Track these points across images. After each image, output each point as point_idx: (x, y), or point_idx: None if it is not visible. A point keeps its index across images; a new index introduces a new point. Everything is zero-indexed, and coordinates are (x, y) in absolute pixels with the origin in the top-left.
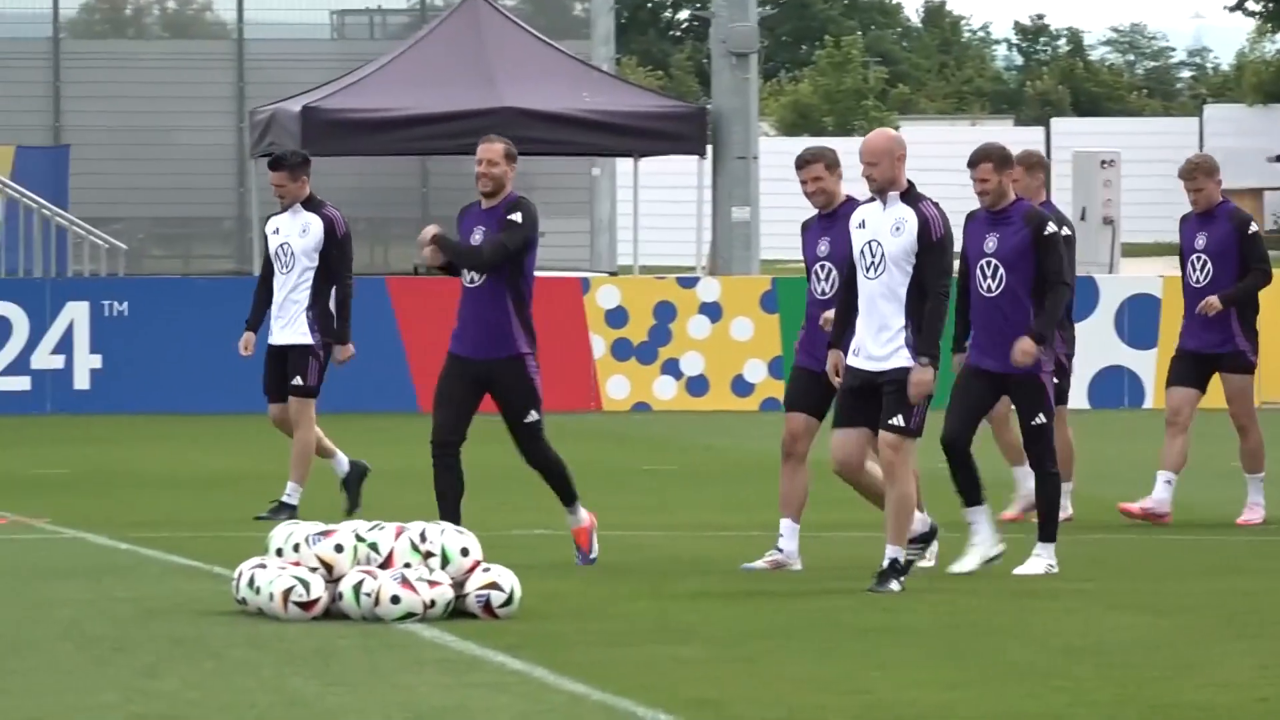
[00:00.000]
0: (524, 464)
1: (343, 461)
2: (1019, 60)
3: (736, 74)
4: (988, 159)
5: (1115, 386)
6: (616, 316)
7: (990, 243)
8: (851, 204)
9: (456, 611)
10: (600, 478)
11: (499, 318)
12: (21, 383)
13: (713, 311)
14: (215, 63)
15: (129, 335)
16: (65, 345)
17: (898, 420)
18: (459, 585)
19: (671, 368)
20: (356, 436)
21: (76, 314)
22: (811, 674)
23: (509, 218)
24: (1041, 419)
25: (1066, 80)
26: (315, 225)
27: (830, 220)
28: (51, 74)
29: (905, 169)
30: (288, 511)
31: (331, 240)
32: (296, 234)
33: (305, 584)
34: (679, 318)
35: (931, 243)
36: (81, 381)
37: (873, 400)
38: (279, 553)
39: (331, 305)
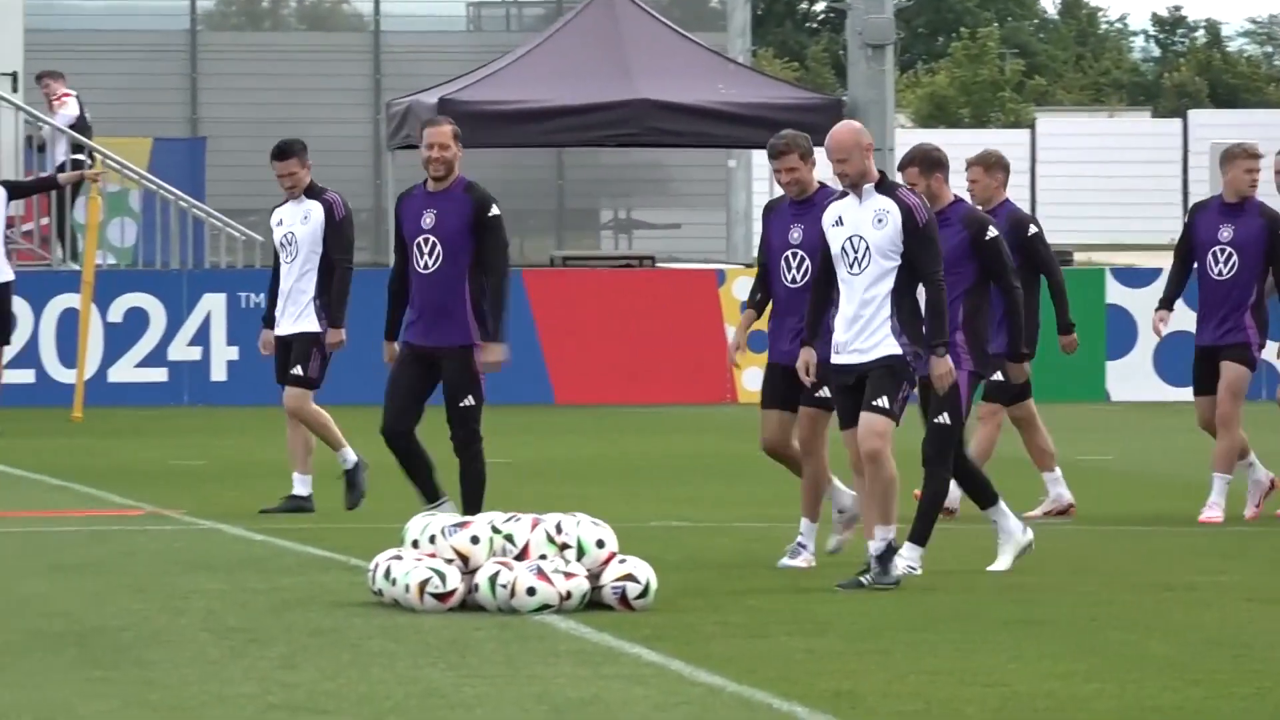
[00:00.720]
0: (672, 455)
1: (349, 456)
2: (1156, 52)
3: (872, 66)
4: (911, 163)
5: (1254, 380)
6: None
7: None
8: (826, 191)
9: (592, 603)
10: (735, 470)
11: (455, 304)
12: (159, 374)
13: None
14: (351, 55)
15: None
16: (202, 337)
17: (882, 401)
18: (595, 577)
19: None
20: (492, 428)
21: (213, 305)
22: (948, 666)
23: (490, 215)
24: (946, 419)
25: (1204, 72)
26: (316, 211)
27: (804, 207)
28: (189, 66)
29: (873, 159)
30: (297, 503)
31: (329, 224)
32: (299, 222)
33: (441, 575)
34: None
35: (919, 228)
36: (218, 373)
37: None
38: (415, 544)
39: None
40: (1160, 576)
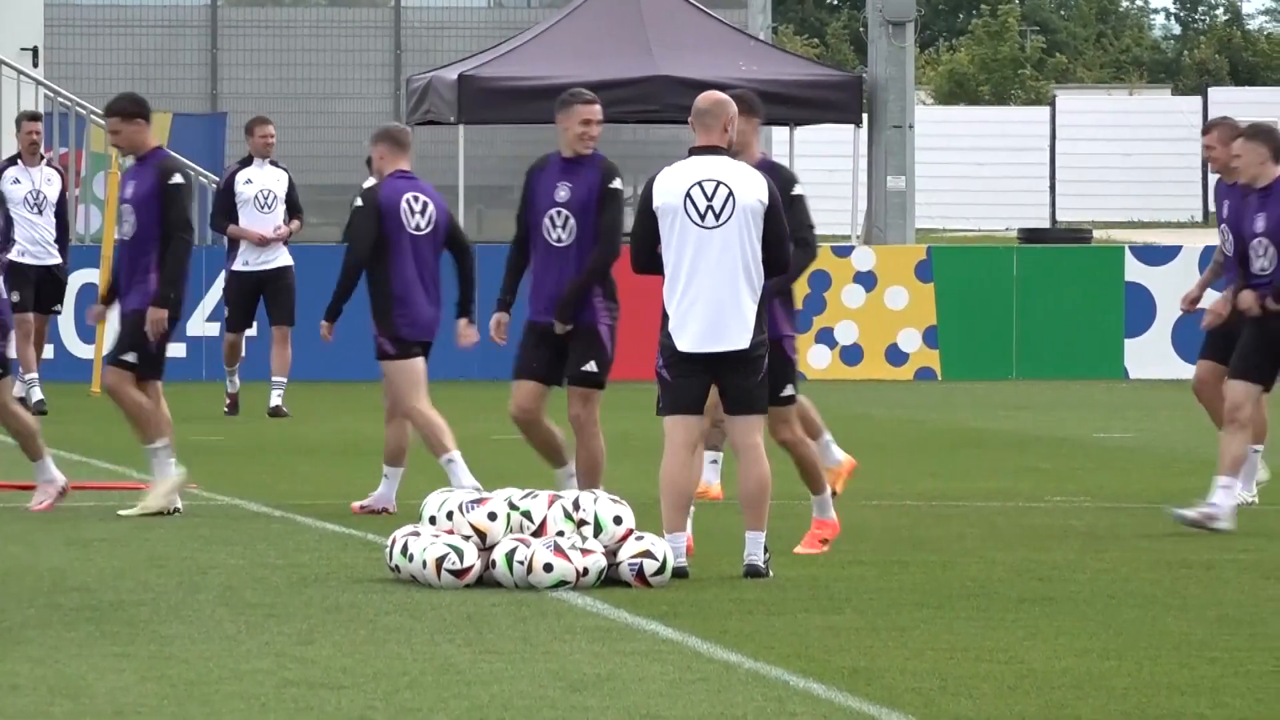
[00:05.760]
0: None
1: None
2: (1177, 29)
3: (893, 43)
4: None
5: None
6: None
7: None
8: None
9: (609, 580)
10: None
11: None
12: (177, 349)
13: (867, 280)
14: (372, 30)
15: None
16: (221, 312)
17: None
18: (612, 553)
19: (825, 337)
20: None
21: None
22: (965, 643)
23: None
24: None
25: (1224, 50)
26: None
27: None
28: (209, 41)
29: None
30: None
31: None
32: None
33: (458, 552)
34: (833, 286)
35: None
36: None
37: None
38: (432, 520)
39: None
40: (1177, 554)
